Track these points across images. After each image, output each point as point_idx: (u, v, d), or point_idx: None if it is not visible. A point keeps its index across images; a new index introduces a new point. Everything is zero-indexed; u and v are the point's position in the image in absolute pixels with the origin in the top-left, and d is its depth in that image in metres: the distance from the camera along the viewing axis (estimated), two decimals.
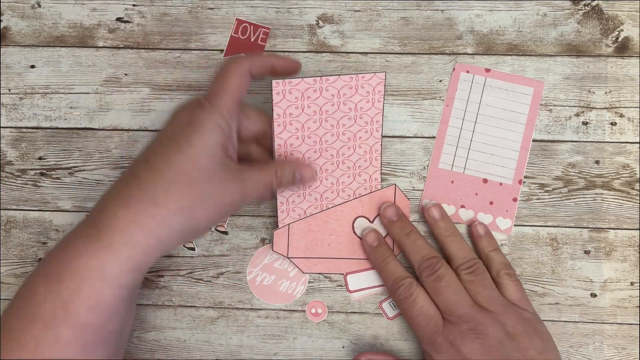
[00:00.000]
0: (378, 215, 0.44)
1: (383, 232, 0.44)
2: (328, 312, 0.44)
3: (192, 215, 0.35)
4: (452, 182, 0.45)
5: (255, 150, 0.42)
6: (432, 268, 0.39)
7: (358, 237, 0.44)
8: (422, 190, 0.45)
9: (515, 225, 0.44)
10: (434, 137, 0.45)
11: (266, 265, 0.45)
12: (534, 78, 0.45)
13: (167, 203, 0.34)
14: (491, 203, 0.44)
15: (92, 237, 0.34)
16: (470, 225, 0.43)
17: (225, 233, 0.45)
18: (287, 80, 0.40)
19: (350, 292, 0.44)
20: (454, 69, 0.45)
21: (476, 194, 0.45)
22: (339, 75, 0.41)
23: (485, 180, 0.45)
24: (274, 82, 0.39)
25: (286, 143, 0.42)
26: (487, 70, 0.45)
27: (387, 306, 0.44)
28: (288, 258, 0.44)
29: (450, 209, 0.44)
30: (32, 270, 0.35)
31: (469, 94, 0.45)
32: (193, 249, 0.45)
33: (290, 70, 0.40)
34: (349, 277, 0.44)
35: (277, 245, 0.44)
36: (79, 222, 0.36)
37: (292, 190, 0.43)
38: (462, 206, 0.45)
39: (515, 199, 0.44)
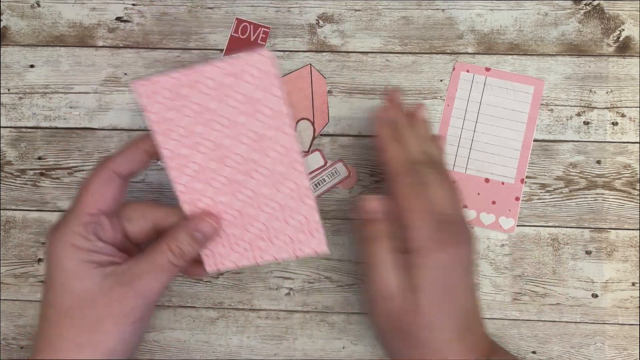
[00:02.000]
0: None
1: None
2: (328, 312, 0.44)
3: (96, 344, 0.33)
4: (454, 182, 0.44)
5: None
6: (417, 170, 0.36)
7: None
8: None
9: (517, 225, 0.44)
10: None
11: None
12: (534, 76, 0.45)
13: (67, 347, 0.33)
14: (493, 202, 0.44)
15: None
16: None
17: None
18: (151, 80, 0.34)
19: None
20: (454, 68, 0.45)
21: (478, 194, 0.44)
22: (213, 62, 0.34)
23: (487, 180, 0.45)
24: (136, 84, 0.34)
25: (175, 154, 0.35)
26: (487, 69, 0.45)
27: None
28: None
29: None
30: None
31: (470, 93, 0.45)
32: None
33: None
34: None
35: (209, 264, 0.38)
36: None
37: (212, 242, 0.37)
38: (465, 206, 0.44)
39: (517, 198, 0.44)
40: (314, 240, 0.37)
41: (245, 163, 0.36)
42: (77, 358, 0.33)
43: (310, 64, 0.42)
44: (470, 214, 0.44)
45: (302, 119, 0.44)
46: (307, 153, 0.45)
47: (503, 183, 0.44)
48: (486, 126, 0.45)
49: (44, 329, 0.34)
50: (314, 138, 0.45)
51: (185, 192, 0.36)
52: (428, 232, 0.34)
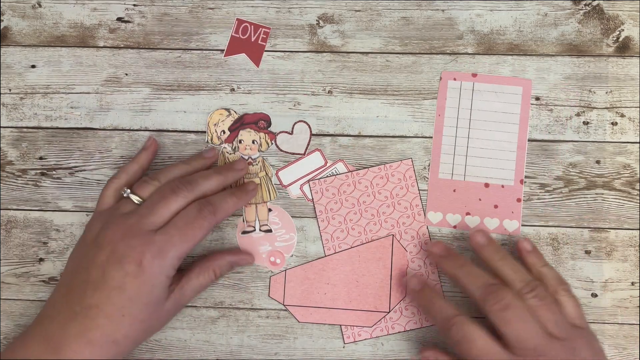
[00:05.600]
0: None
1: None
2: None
3: (135, 339, 0.39)
4: (454, 190, 0.45)
5: None
6: (496, 296, 0.37)
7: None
8: (426, 190, 0.45)
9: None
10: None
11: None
12: (530, 77, 0.45)
13: (125, 342, 0.38)
14: (496, 206, 0.44)
15: None
16: (517, 242, 0.42)
17: (270, 231, 0.45)
18: (322, 180, 0.44)
19: (285, 187, 0.44)
20: (440, 78, 0.45)
21: (480, 200, 0.44)
22: (368, 168, 0.44)
23: (486, 185, 0.45)
24: (311, 182, 0.44)
25: (332, 237, 0.44)
26: (474, 75, 0.45)
27: (306, 188, 0.45)
28: (284, 305, 0.44)
29: (455, 218, 0.44)
30: None
31: (459, 100, 0.45)
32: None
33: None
34: (280, 174, 0.44)
35: (274, 292, 0.44)
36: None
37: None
38: (468, 213, 0.44)
39: (519, 200, 0.44)
40: None
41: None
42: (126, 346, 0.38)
43: (393, 236, 0.44)
44: (474, 220, 0.44)
45: (299, 121, 0.44)
46: (303, 155, 0.45)
47: (503, 186, 0.45)
48: (479, 131, 0.45)
49: (107, 321, 0.37)
50: (310, 141, 0.45)
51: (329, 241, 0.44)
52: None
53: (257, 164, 0.45)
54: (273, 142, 0.45)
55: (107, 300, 0.37)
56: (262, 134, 0.45)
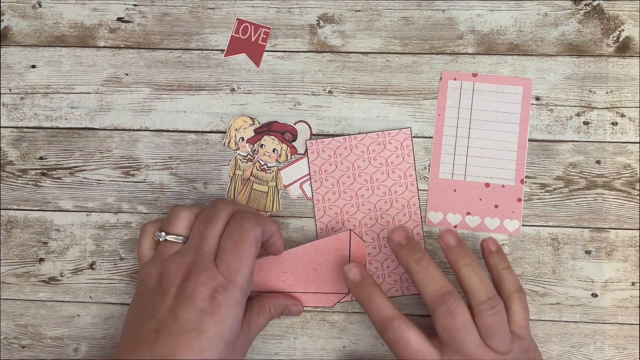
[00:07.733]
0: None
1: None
2: (329, 311, 0.44)
3: None
4: (455, 190, 0.45)
5: None
6: (448, 306, 0.36)
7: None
8: (426, 190, 0.45)
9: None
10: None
11: None
12: (530, 77, 0.45)
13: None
14: (496, 206, 0.44)
15: None
16: (482, 241, 0.41)
17: None
18: (319, 140, 0.45)
19: (285, 187, 0.44)
20: (440, 78, 0.45)
21: (480, 199, 0.44)
22: (366, 133, 0.44)
23: (487, 185, 0.45)
24: (308, 142, 0.44)
25: (324, 198, 0.44)
26: (474, 74, 0.45)
27: (307, 187, 0.45)
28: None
29: (456, 218, 0.44)
30: None
31: (459, 100, 0.45)
32: None
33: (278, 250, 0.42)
34: (281, 173, 0.44)
35: None
36: None
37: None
38: (468, 213, 0.44)
39: (519, 199, 0.44)
40: None
41: (374, 211, 0.44)
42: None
43: (351, 230, 0.43)
44: (475, 220, 0.44)
45: (299, 121, 0.44)
46: (303, 155, 0.45)
47: (503, 186, 0.45)
48: (480, 131, 0.45)
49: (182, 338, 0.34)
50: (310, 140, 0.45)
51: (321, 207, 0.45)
52: None
53: (270, 172, 0.45)
54: (292, 157, 0.45)
55: (184, 346, 0.34)
56: (284, 146, 0.45)
